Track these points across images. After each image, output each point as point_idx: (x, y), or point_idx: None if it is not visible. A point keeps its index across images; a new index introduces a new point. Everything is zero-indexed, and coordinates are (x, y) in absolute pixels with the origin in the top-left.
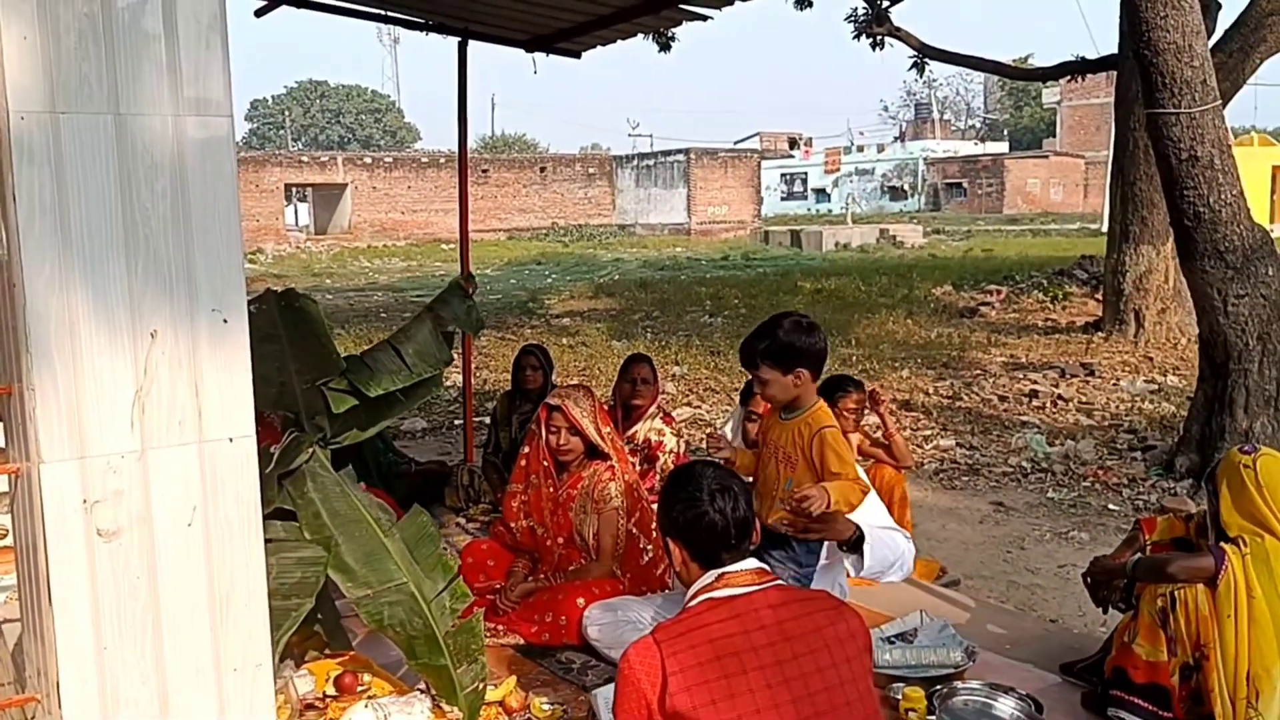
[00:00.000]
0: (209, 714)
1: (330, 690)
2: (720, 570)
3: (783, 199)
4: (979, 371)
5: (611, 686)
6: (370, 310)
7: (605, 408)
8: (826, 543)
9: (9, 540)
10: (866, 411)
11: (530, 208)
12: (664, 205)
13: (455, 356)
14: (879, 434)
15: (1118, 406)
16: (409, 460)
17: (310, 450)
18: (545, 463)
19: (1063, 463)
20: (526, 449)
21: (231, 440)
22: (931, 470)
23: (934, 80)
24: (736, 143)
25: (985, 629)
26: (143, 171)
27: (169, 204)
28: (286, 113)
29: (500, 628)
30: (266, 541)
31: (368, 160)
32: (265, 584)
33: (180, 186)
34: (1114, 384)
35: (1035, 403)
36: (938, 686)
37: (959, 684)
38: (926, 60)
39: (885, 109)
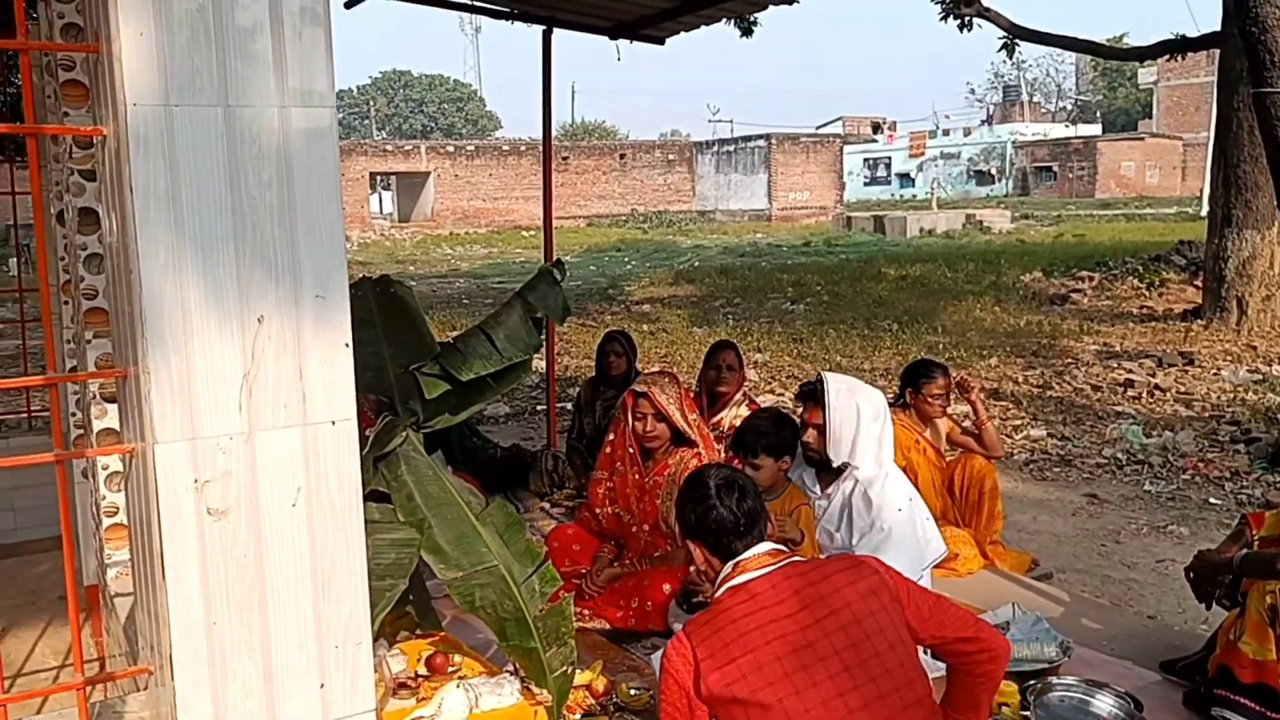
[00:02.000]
0: (311, 689)
1: (422, 670)
2: (736, 559)
3: (865, 184)
4: (1070, 360)
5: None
6: (452, 297)
7: (691, 394)
8: None
9: (121, 518)
10: (955, 399)
11: (610, 194)
12: (744, 191)
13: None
14: (968, 423)
15: (1219, 397)
16: (493, 445)
17: (404, 434)
18: (631, 449)
19: (1160, 454)
20: (612, 435)
21: (334, 423)
22: (1021, 461)
23: (1023, 62)
24: (818, 127)
25: (1080, 624)
26: (250, 161)
27: (275, 192)
28: (371, 103)
29: (586, 612)
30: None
31: (450, 148)
32: (365, 564)
33: (286, 175)
34: (1214, 373)
35: (1130, 392)
36: (1031, 681)
37: (1054, 679)
38: (1016, 41)
39: (972, 92)
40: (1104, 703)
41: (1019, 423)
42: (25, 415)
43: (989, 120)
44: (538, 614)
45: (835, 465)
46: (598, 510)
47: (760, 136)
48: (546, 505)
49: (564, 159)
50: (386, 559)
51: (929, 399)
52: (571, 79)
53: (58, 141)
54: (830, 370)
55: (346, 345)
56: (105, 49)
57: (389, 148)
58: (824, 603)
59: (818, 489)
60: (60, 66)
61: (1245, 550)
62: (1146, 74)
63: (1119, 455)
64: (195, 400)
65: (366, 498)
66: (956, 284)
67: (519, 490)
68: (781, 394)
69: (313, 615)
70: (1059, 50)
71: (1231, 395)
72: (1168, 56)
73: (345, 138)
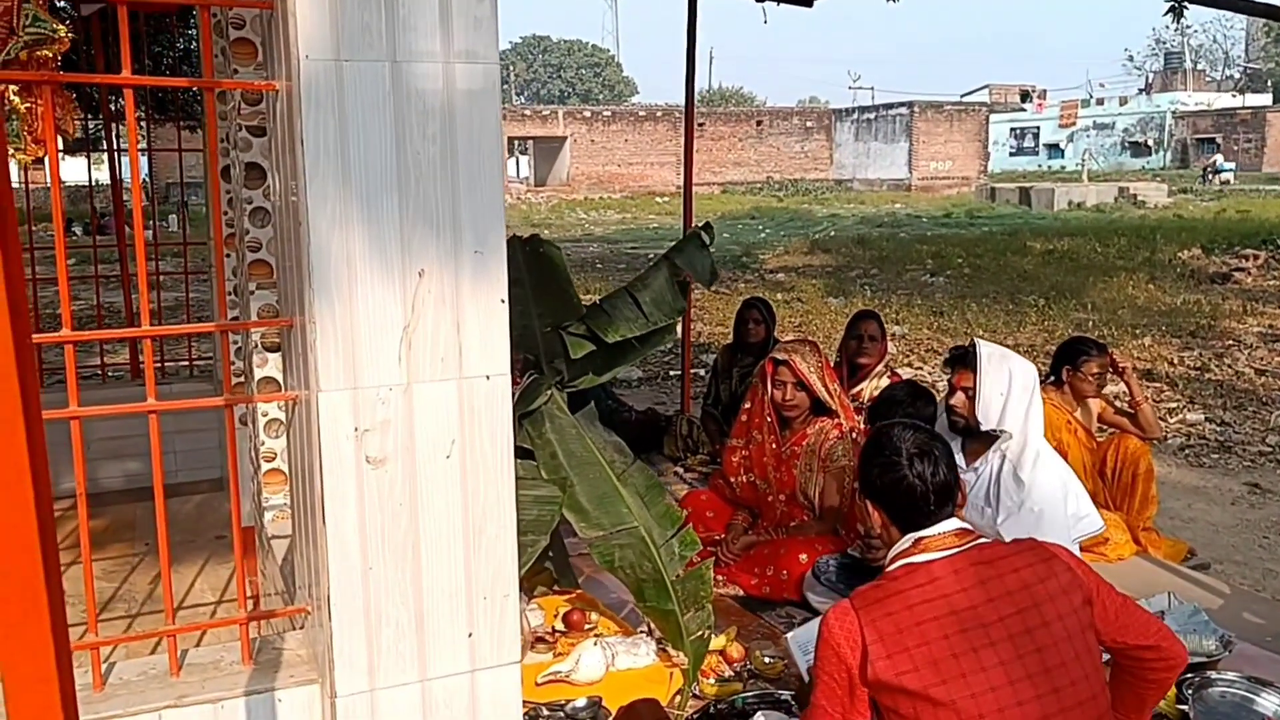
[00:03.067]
0: (459, 637)
1: (559, 625)
2: (918, 534)
3: (1011, 154)
4: (1232, 342)
5: (804, 630)
6: (586, 261)
7: (831, 364)
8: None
9: (278, 463)
10: (1110, 378)
11: (745, 161)
12: (883, 160)
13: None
14: (1119, 403)
15: None
16: (629, 408)
17: (549, 392)
18: (769, 418)
19: None
20: (749, 403)
21: (489, 378)
22: (1176, 445)
23: (1189, 27)
24: (963, 95)
25: (1241, 617)
26: (415, 117)
27: (438, 148)
28: (511, 67)
29: (720, 578)
30: None
31: (587, 114)
32: (515, 518)
33: (449, 131)
34: None
35: None
36: (1189, 675)
37: (1213, 674)
38: (1185, 4)
39: (1130, 59)
40: (1270, 701)
41: (1174, 405)
42: (186, 364)
43: (1147, 89)
44: (677, 577)
45: (982, 430)
46: (732, 479)
47: (902, 104)
48: (680, 470)
49: (700, 125)
50: (529, 515)
51: (1086, 378)
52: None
53: (226, 100)
54: (1082, 339)
55: (503, 301)
56: (279, 5)
57: (527, 112)
58: (1011, 599)
59: (963, 462)
60: (231, 24)
61: None
62: None
63: None
64: (357, 351)
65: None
66: (1107, 259)
67: (652, 454)
68: (920, 367)
69: (463, 565)
70: (1229, 14)
71: None
72: None
73: None
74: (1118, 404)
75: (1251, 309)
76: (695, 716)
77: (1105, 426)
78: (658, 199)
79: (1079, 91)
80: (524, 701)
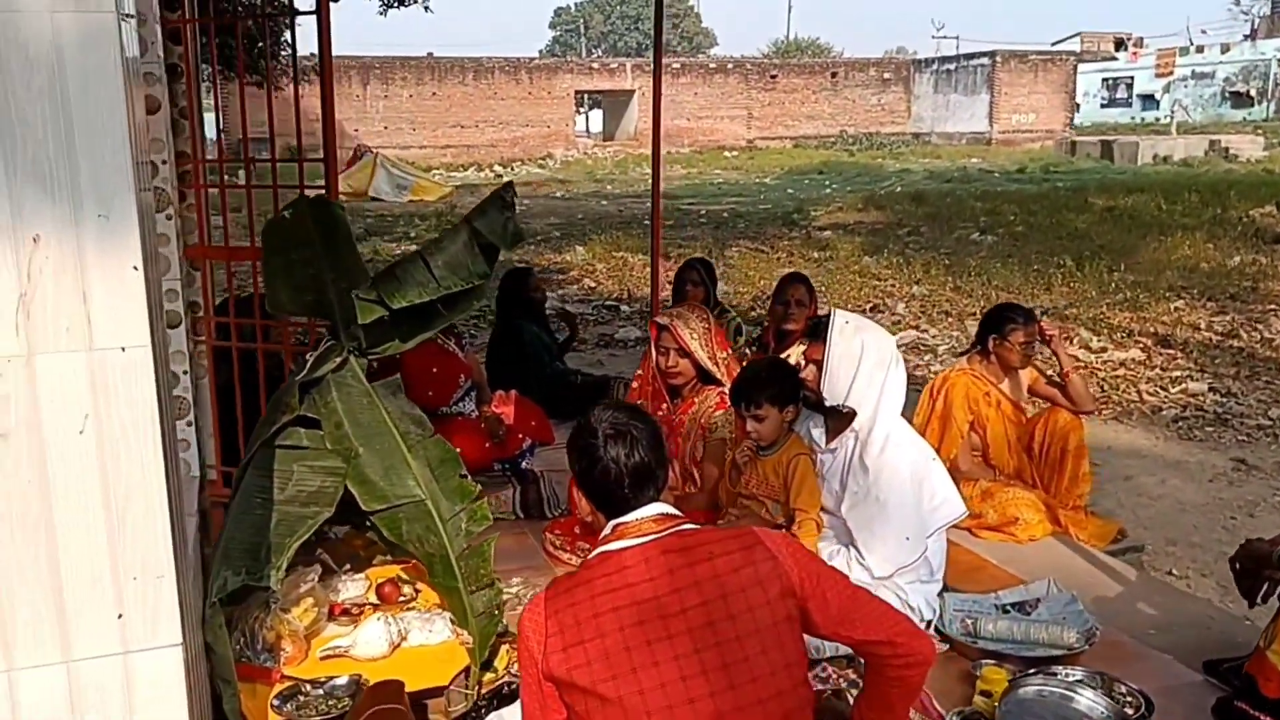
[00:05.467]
0: (108, 619)
1: (373, 598)
2: (617, 521)
3: (1103, 106)
4: (1273, 307)
5: None
6: (635, 217)
7: (721, 331)
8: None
9: None
10: (1038, 346)
11: (819, 114)
12: (964, 112)
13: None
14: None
15: None
16: (575, 372)
17: (340, 360)
18: (654, 385)
19: None
20: (640, 370)
21: (124, 349)
22: (1170, 417)
23: None
24: (1054, 44)
25: (1134, 607)
26: (18, 69)
27: (48, 103)
28: (584, 20)
29: (586, 545)
30: (288, 448)
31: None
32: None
33: (59, 86)
34: None
35: None
36: (1031, 670)
37: (1058, 670)
38: None
39: (1236, 3)
40: (1088, 700)
41: (1178, 374)
42: None
43: (1253, 35)
44: (460, 553)
45: (829, 406)
46: None
47: (984, 54)
48: None
49: (772, 77)
50: (310, 485)
51: (1012, 347)
52: None
53: None
54: (988, 308)
55: (135, 269)
56: None
57: (594, 66)
58: (697, 588)
59: (822, 443)
60: None
61: None
62: None
63: None
64: None
65: (297, 423)
66: (1170, 217)
67: None
68: (926, 330)
69: (106, 545)
70: None
71: None
72: None
73: (561, 55)
74: (1050, 375)
75: None
76: (487, 696)
77: (1037, 398)
78: (726, 153)
79: (1179, 39)
80: (285, 677)
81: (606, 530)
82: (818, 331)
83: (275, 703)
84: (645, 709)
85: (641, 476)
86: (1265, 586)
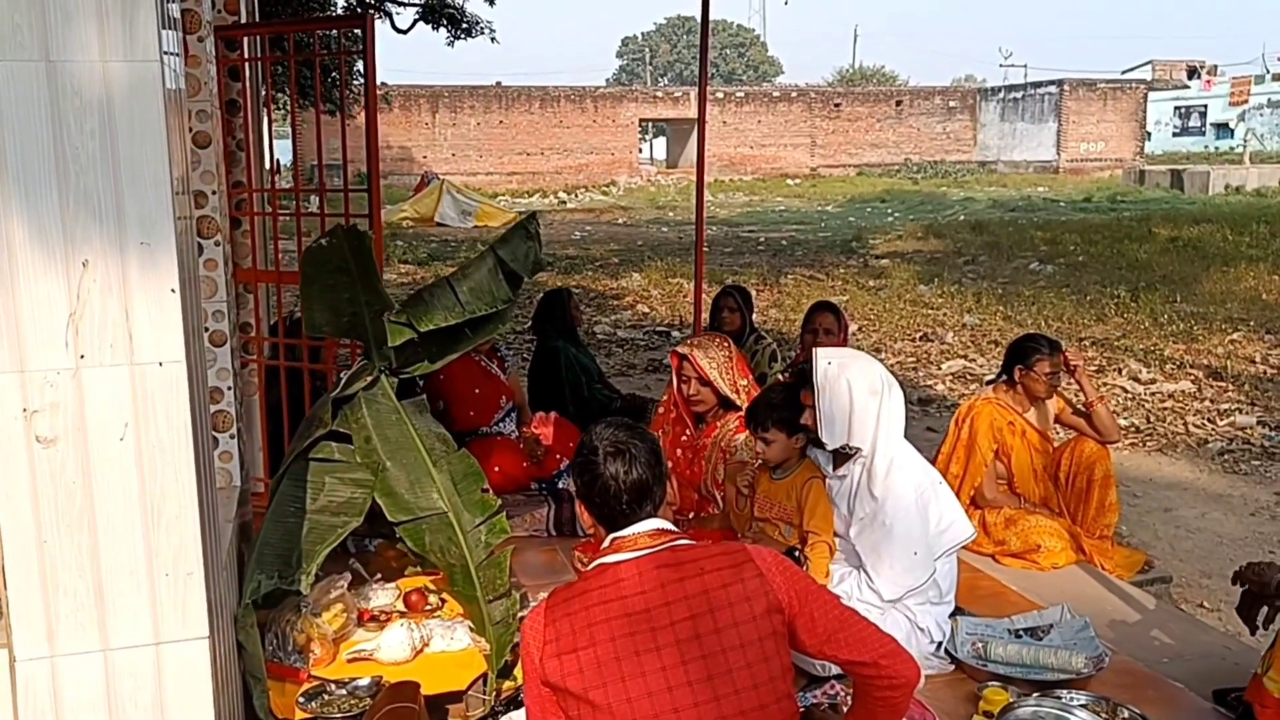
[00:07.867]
0: (141, 610)
1: (400, 606)
2: (615, 535)
3: (1175, 135)
4: None
5: None
6: (695, 243)
7: (743, 358)
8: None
9: None
10: (1064, 377)
11: (883, 143)
12: (1030, 141)
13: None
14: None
15: None
16: (616, 394)
17: (372, 378)
18: (678, 410)
19: None
20: (665, 395)
21: (161, 364)
22: (1216, 450)
23: None
24: (1124, 72)
25: (1147, 636)
26: (73, 114)
27: (98, 143)
28: (653, 49)
29: None
30: (321, 461)
31: (719, 95)
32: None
33: (109, 127)
34: None
35: None
36: (1036, 694)
37: (1061, 693)
38: None
39: None
40: None
41: (1227, 406)
42: None
43: None
44: (480, 564)
45: (831, 449)
46: None
47: (1051, 82)
48: None
49: (836, 105)
50: (340, 496)
51: (1038, 378)
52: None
53: None
54: (1034, 336)
55: (173, 290)
56: None
57: (659, 94)
58: (687, 601)
59: (830, 468)
60: None
61: None
62: None
63: None
64: (23, 336)
65: (330, 438)
66: (1236, 249)
67: None
68: (974, 359)
69: (142, 542)
70: None
71: None
72: None
73: (627, 84)
74: (1078, 404)
75: None
76: (504, 701)
77: (1063, 427)
78: (789, 181)
79: (1253, 67)
80: (313, 678)
81: (605, 543)
82: (805, 377)
83: (301, 700)
84: (632, 716)
85: (639, 492)
86: (1264, 612)
